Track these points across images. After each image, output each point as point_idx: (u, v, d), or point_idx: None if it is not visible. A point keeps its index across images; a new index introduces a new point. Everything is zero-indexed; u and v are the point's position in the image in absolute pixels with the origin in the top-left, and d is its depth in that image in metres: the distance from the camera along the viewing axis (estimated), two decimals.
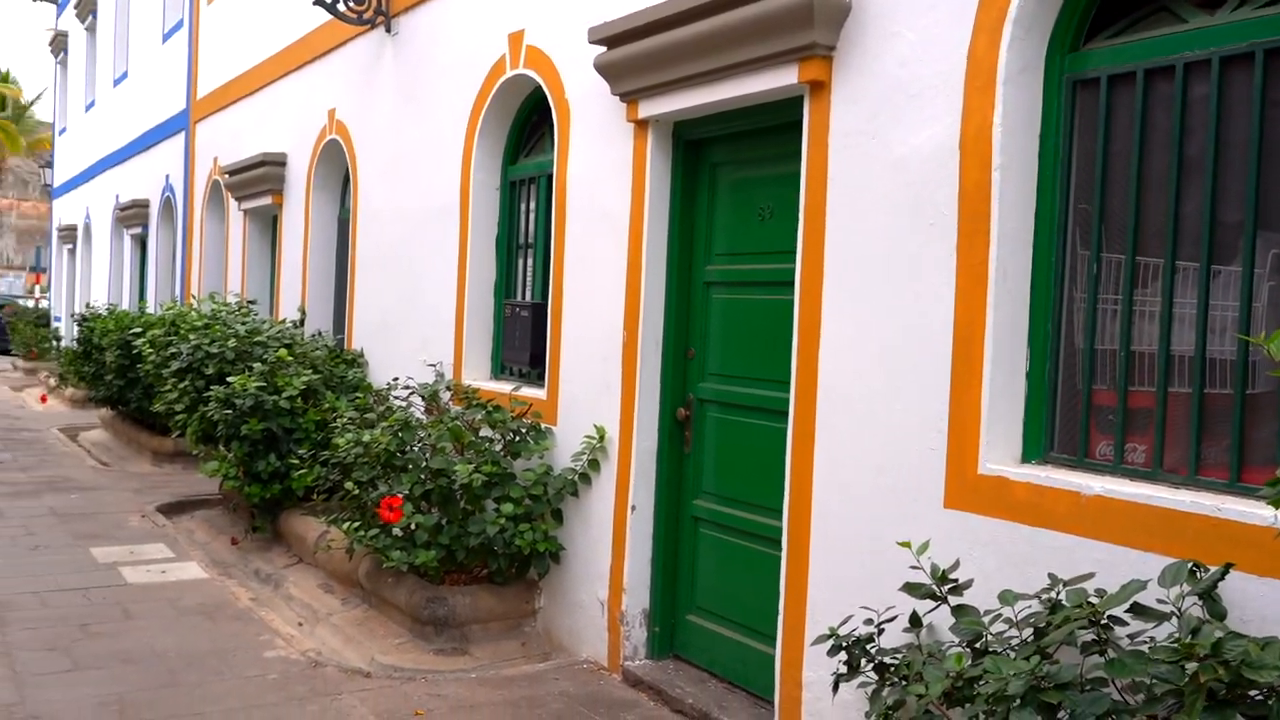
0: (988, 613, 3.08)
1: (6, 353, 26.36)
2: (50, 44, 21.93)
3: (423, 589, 5.37)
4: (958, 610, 3.14)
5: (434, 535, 5.32)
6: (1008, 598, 2.98)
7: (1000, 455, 3.42)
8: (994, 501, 3.35)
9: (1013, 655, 2.80)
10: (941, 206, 3.56)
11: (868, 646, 3.38)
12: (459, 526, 5.33)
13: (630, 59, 4.78)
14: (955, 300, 3.50)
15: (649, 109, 4.87)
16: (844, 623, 3.48)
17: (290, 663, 5.09)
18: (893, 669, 3.30)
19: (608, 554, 5.12)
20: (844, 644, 3.37)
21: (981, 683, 2.59)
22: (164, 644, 5.27)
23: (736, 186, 4.87)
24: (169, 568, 6.75)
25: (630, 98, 4.95)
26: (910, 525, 3.59)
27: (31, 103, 47.94)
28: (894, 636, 3.44)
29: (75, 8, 18.94)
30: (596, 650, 5.15)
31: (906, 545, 3.37)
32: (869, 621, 3.45)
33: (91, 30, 18.75)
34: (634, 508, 4.99)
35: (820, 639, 3.47)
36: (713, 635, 4.86)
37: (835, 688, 3.44)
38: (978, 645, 3.06)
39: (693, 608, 5.00)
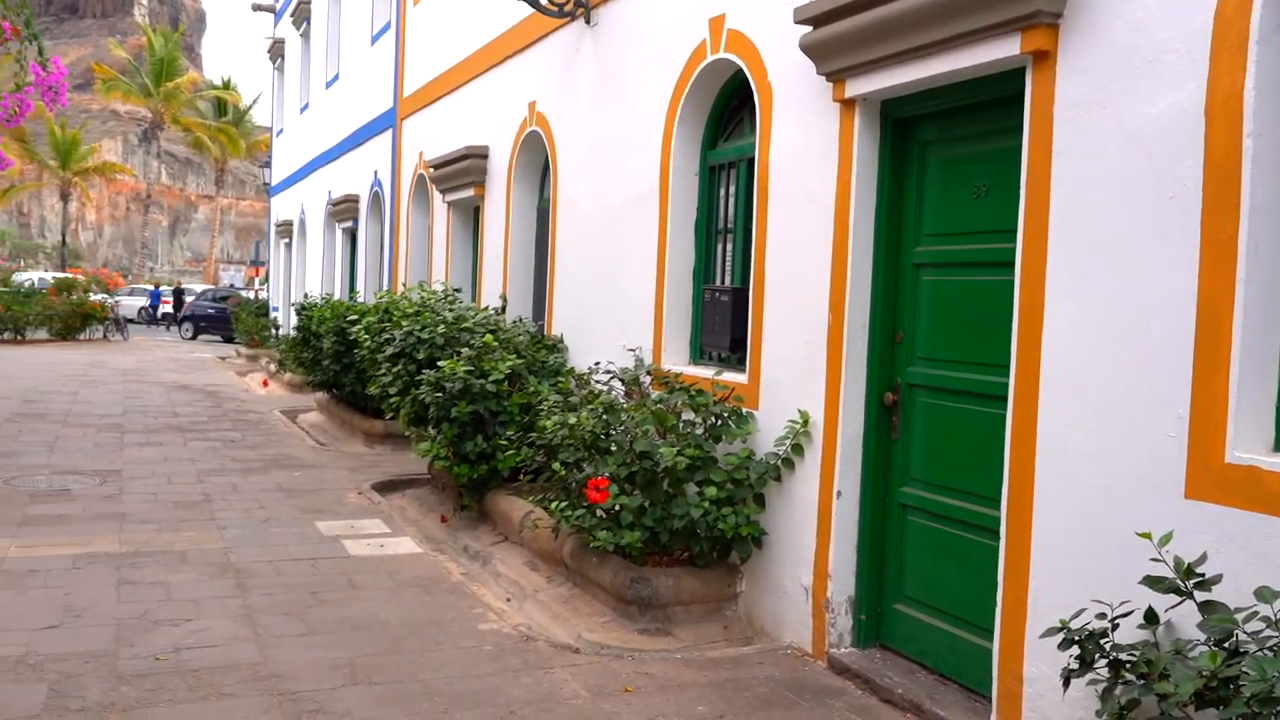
0: (1237, 610, 2.88)
1: (231, 341, 28.47)
2: (268, 51, 23.43)
3: (627, 569, 5.47)
4: (1206, 607, 2.96)
5: (638, 517, 5.41)
6: (1265, 595, 2.78)
7: (1250, 443, 3.19)
8: (1244, 493, 3.13)
9: (1272, 655, 2.61)
10: (1184, 178, 3.35)
11: (1101, 641, 3.22)
12: (662, 509, 5.40)
13: (838, 37, 4.70)
14: (1199, 278, 3.29)
15: (856, 88, 4.78)
16: (1075, 616, 3.33)
17: (503, 636, 5.28)
18: (1128, 666, 3.14)
19: (812, 540, 5.07)
20: (1076, 638, 3.23)
21: (1241, 683, 2.42)
22: (386, 613, 5.57)
23: (948, 165, 4.72)
24: (386, 542, 7.13)
25: (836, 77, 4.87)
26: (1145, 516, 3.40)
27: (249, 108, 51.51)
28: (1125, 633, 3.27)
29: (291, 16, 20.14)
30: (800, 636, 5.12)
31: (1146, 536, 3.19)
32: (1101, 616, 3.29)
33: (306, 36, 19.90)
34: (839, 493, 4.93)
35: (1049, 632, 3.33)
36: (922, 625, 4.75)
37: (1066, 683, 3.30)
38: (1227, 645, 2.87)
39: (900, 597, 4.90)
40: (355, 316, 9.69)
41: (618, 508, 5.47)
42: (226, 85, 52.62)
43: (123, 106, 65.01)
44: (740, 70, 5.85)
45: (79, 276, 33.81)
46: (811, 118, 5.18)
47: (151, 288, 44.65)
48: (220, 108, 52.21)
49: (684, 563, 5.57)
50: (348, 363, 10.85)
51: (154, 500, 8.09)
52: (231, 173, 62.22)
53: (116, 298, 35.56)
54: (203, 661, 4.72)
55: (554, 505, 5.95)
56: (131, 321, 34.72)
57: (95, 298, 29.63)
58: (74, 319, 27.30)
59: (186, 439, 11.30)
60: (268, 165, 26.47)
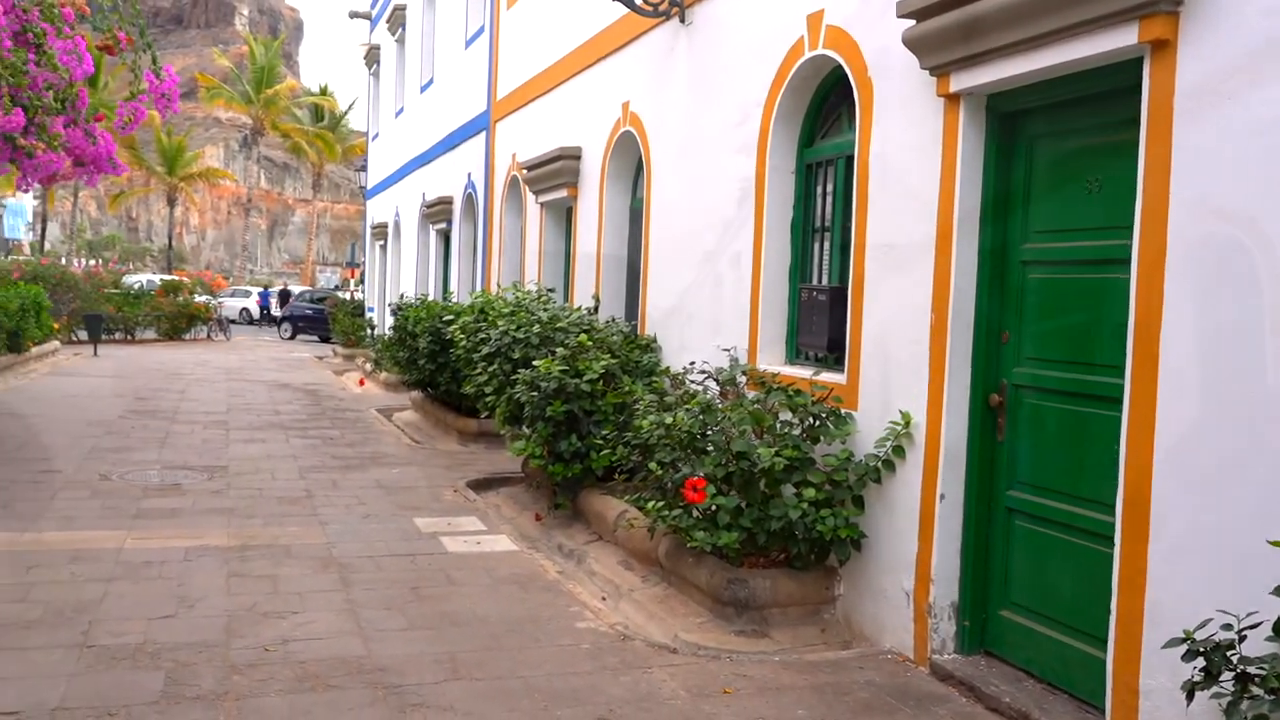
0: None
1: (327, 340, 29.16)
2: (364, 57, 23.95)
3: (723, 570, 5.44)
4: None
5: (735, 518, 5.37)
6: None
7: None
8: None
9: None
10: None
11: (1227, 654, 3.09)
12: (759, 510, 5.36)
13: (943, 30, 4.60)
14: None
15: (961, 82, 4.67)
16: (1200, 627, 3.20)
17: (600, 634, 5.30)
18: (1257, 680, 3.00)
19: (913, 543, 4.98)
20: (1201, 650, 3.10)
21: None
22: (484, 609, 5.64)
23: (1058, 160, 4.59)
24: (482, 539, 7.21)
25: (941, 71, 4.77)
26: (1275, 524, 3.25)
27: (345, 113, 52.70)
28: (1253, 645, 3.13)
29: (387, 22, 20.56)
30: (901, 641, 5.03)
31: (1278, 545, 3.05)
32: (1227, 627, 3.16)
33: (401, 42, 20.31)
34: (943, 496, 4.83)
35: (1173, 643, 3.21)
36: (1029, 632, 4.62)
37: (1190, 696, 3.17)
38: None
39: (1006, 603, 4.78)
40: (450, 317, 9.83)
41: (714, 508, 5.44)
42: (323, 91, 53.94)
43: (224, 114, 67.13)
44: (839, 66, 5.77)
45: (184, 279, 35.01)
46: (914, 114, 5.08)
47: (261, 289, 46.11)
48: (317, 113, 53.56)
49: (781, 564, 5.52)
50: (442, 362, 11.02)
51: (259, 495, 8.32)
52: (327, 177, 63.73)
53: (219, 299, 36.77)
54: (309, 653, 4.83)
55: (649, 505, 5.95)
56: (233, 322, 35.84)
57: (200, 299, 30.66)
58: (180, 319, 28.30)
59: (288, 436, 11.60)
60: (363, 169, 27.07)
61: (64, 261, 39.94)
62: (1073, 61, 4.10)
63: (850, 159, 5.80)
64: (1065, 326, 4.48)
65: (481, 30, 14.22)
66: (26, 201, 47.20)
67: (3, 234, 46.61)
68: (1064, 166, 4.55)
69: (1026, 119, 4.71)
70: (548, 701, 4.38)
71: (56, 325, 20.43)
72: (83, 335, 23.05)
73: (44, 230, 54.24)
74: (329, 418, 13.48)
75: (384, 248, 22.60)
